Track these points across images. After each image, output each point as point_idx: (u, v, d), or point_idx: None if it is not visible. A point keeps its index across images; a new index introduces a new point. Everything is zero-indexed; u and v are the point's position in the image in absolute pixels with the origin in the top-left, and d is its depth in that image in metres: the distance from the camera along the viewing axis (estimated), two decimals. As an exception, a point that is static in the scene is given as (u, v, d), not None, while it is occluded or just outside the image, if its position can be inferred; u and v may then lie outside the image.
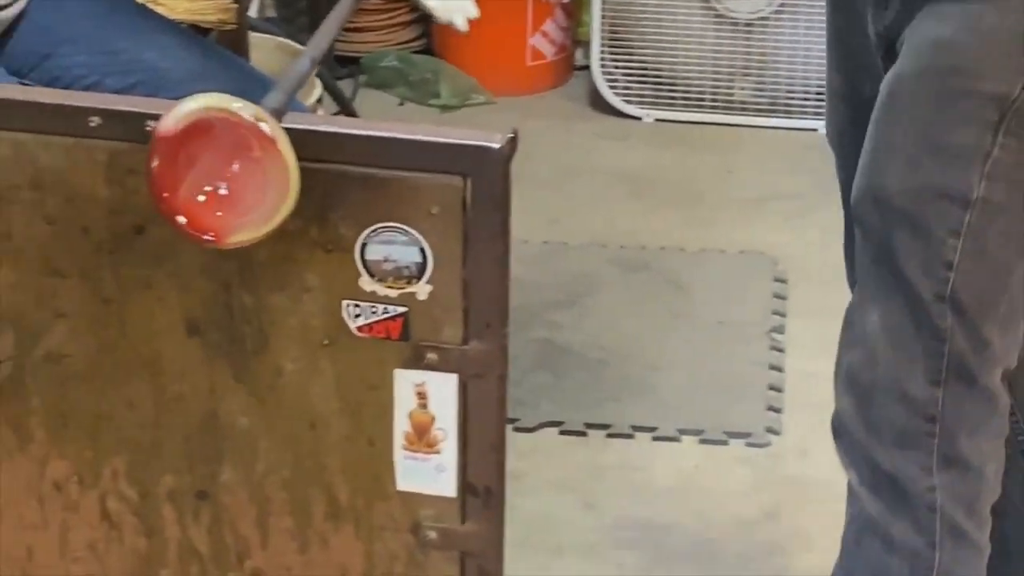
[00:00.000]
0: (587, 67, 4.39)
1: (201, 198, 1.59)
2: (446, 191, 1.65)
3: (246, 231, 1.61)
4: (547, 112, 4.28)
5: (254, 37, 3.08)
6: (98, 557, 1.87)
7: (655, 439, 2.82)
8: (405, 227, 1.66)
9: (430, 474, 1.76)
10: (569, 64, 4.54)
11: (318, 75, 3.44)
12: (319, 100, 3.50)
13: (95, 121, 1.65)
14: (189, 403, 1.79)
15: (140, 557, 1.86)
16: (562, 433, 2.82)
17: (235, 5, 2.59)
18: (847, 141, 2.14)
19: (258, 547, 1.83)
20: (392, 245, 1.67)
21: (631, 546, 2.52)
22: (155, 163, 1.58)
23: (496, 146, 1.63)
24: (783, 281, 3.35)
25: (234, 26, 2.61)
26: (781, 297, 3.30)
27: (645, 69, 4.25)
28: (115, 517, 1.85)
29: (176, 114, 1.57)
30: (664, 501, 2.63)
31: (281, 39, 3.42)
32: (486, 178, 1.64)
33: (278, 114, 1.60)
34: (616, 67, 4.29)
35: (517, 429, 2.67)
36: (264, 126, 1.56)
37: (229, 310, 1.74)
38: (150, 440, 1.81)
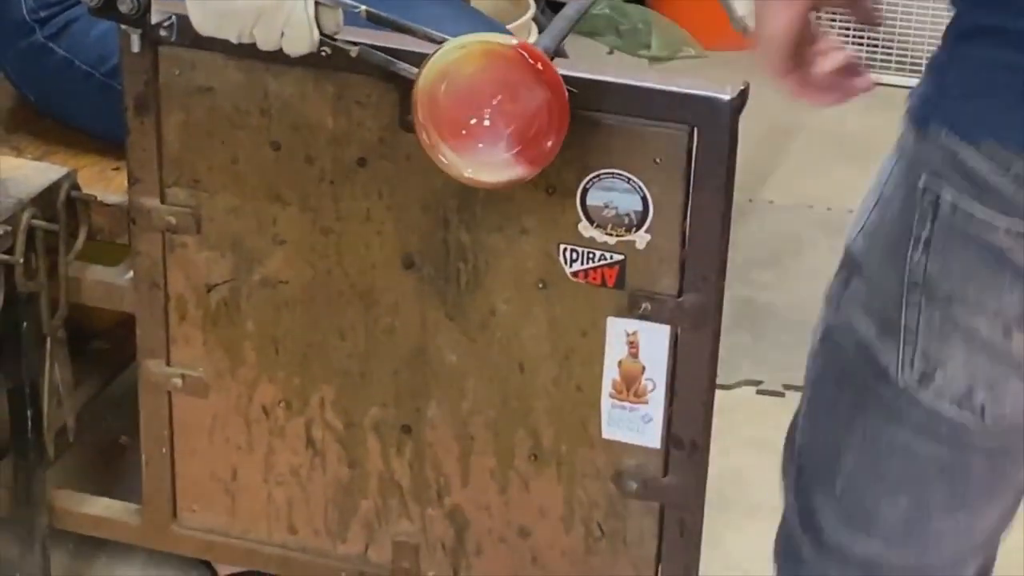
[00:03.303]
0: (801, 25, 4.32)
1: (464, 130, 1.57)
2: (672, 141, 1.63)
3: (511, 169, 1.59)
4: (759, 69, 4.22)
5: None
6: (300, 483, 1.90)
7: (856, 406, 2.77)
8: (628, 175, 1.65)
9: (636, 424, 1.75)
10: (783, 21, 4.47)
11: (533, 19, 3.43)
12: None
13: (326, 51, 1.66)
14: (399, 337, 1.79)
15: (341, 486, 1.88)
16: (760, 393, 2.78)
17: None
18: None
19: (458, 484, 1.84)
20: (613, 192, 1.66)
21: (826, 511, 2.49)
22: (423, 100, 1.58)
23: (726, 98, 1.61)
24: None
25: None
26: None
27: (862, 29, 4.17)
28: (319, 445, 1.87)
29: (456, 45, 1.57)
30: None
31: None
32: (714, 130, 1.62)
33: (549, 54, 1.60)
34: (831, 25, 4.21)
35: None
36: (539, 64, 1.55)
37: (446, 247, 1.74)
38: (359, 371, 1.82)
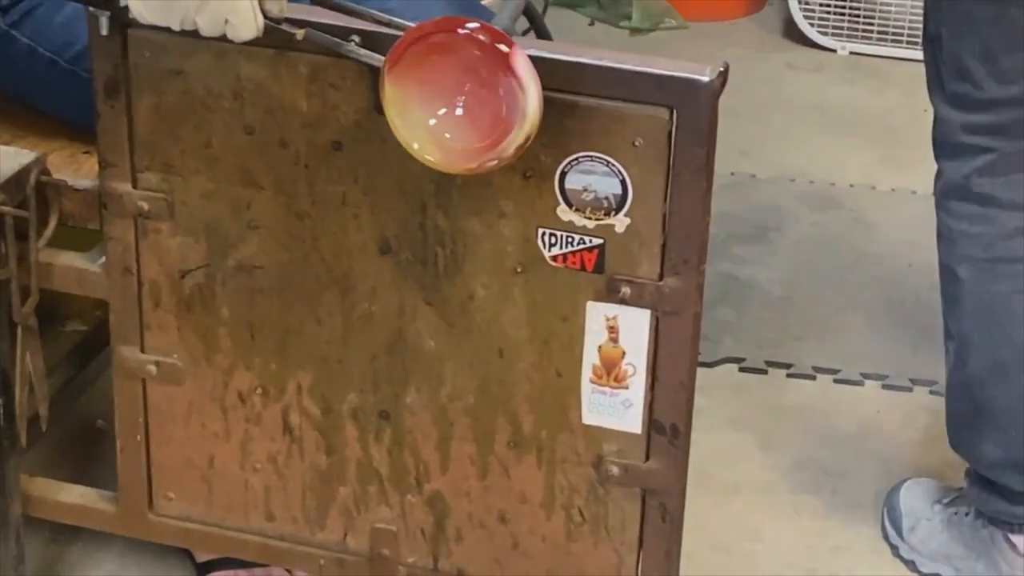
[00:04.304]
0: (783, -7, 4.31)
1: (432, 122, 1.55)
2: (651, 123, 1.60)
3: (483, 156, 1.56)
4: (740, 40, 4.19)
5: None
6: (278, 470, 1.88)
7: (836, 381, 2.75)
8: (607, 157, 1.62)
9: (616, 409, 1.73)
10: (764, -9, 4.45)
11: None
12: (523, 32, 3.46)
13: (300, 34, 1.63)
14: (377, 322, 1.77)
15: (320, 473, 1.86)
16: (742, 370, 2.76)
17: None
18: None
19: (438, 471, 1.82)
20: (592, 175, 1.63)
21: (808, 490, 2.47)
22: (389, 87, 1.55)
23: (706, 79, 1.58)
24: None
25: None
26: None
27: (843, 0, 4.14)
28: (297, 431, 1.85)
29: (411, 35, 1.54)
30: (844, 446, 2.56)
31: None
32: (694, 112, 1.59)
33: (508, 32, 1.57)
34: (814, -4, 4.19)
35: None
36: (502, 46, 1.52)
37: (423, 231, 1.72)
38: (336, 357, 1.80)
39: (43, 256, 1.85)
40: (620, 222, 1.65)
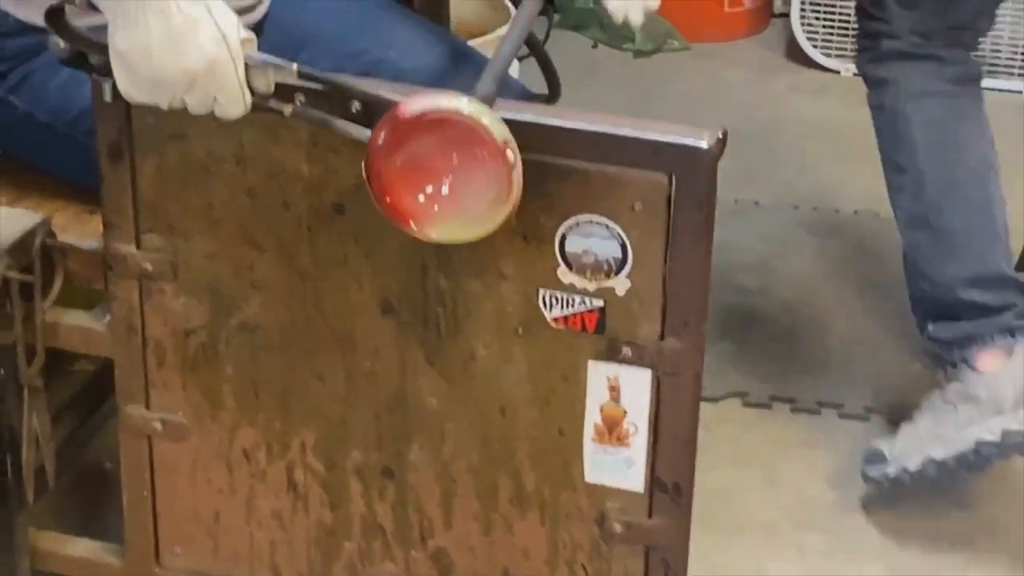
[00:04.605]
0: (786, 14, 4.31)
1: (421, 198, 1.57)
2: (651, 188, 1.61)
3: (465, 226, 1.58)
4: (743, 62, 4.20)
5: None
6: (283, 525, 1.89)
7: (841, 416, 2.76)
8: (607, 221, 1.63)
9: (619, 467, 1.74)
10: (767, 11, 4.45)
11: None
12: (520, 59, 3.47)
13: (300, 99, 1.64)
14: (380, 381, 1.78)
15: (324, 528, 1.87)
16: (746, 405, 2.77)
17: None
18: None
19: (442, 527, 1.83)
20: (592, 238, 1.64)
21: (812, 527, 2.48)
22: (376, 165, 1.57)
23: (705, 146, 1.59)
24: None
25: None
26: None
27: (847, 20, 4.14)
28: (301, 488, 1.86)
29: (393, 117, 1.56)
30: (849, 482, 2.57)
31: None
32: (693, 177, 1.60)
33: (488, 101, 1.58)
34: (816, 17, 4.19)
35: (701, 398, 2.61)
36: (484, 120, 1.53)
37: (424, 292, 1.73)
38: (339, 415, 1.81)
39: (48, 315, 1.86)
40: (620, 284, 1.66)
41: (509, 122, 1.58)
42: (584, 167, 1.62)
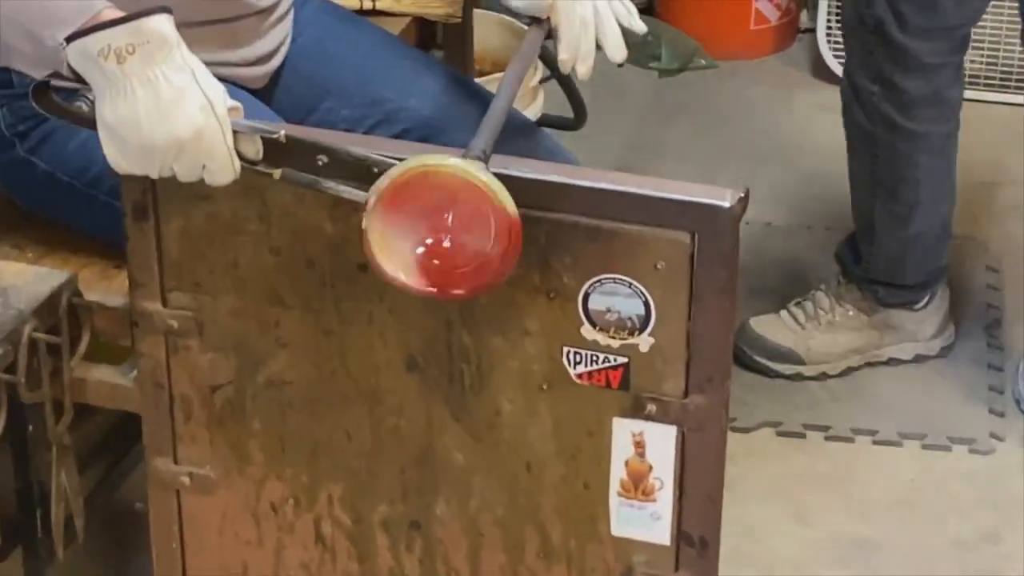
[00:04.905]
0: (812, 30, 4.30)
1: (420, 250, 1.58)
2: (673, 246, 1.61)
3: (471, 281, 1.59)
4: (769, 79, 4.19)
5: (477, 14, 3.05)
6: (311, 577, 1.90)
7: (875, 443, 2.75)
8: (630, 279, 1.64)
9: (645, 521, 1.74)
10: (793, 28, 4.44)
11: (541, 81, 3.40)
12: (541, 81, 3.47)
13: (322, 160, 1.64)
14: (406, 436, 1.79)
15: (352, 580, 1.88)
16: (779, 435, 2.76)
17: (461, -2, 2.58)
18: None
19: (469, 580, 1.84)
20: (615, 296, 1.65)
21: (844, 565, 2.47)
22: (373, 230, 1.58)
23: (726, 205, 1.59)
24: (996, 271, 3.25)
25: (458, 20, 2.60)
26: (995, 288, 3.21)
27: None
28: (329, 541, 1.87)
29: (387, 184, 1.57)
30: (881, 514, 2.56)
31: (503, 16, 3.40)
32: (716, 236, 1.60)
33: (484, 157, 1.59)
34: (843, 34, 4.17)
35: (733, 429, 2.60)
36: (476, 177, 1.54)
37: (449, 348, 1.73)
38: (366, 469, 1.82)
39: (76, 371, 1.87)
40: (644, 341, 1.66)
41: (537, 182, 1.60)
42: (608, 226, 1.62)
